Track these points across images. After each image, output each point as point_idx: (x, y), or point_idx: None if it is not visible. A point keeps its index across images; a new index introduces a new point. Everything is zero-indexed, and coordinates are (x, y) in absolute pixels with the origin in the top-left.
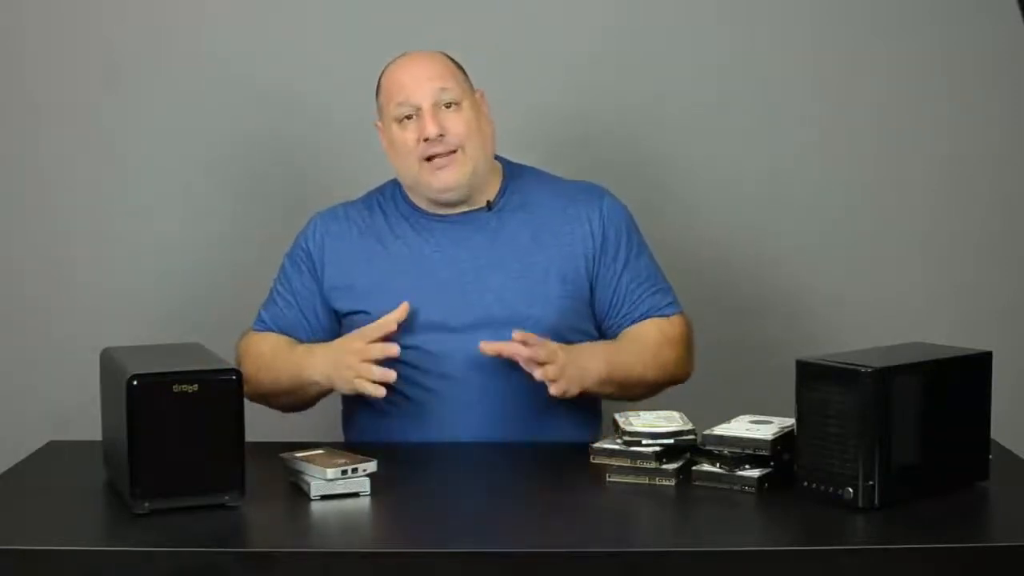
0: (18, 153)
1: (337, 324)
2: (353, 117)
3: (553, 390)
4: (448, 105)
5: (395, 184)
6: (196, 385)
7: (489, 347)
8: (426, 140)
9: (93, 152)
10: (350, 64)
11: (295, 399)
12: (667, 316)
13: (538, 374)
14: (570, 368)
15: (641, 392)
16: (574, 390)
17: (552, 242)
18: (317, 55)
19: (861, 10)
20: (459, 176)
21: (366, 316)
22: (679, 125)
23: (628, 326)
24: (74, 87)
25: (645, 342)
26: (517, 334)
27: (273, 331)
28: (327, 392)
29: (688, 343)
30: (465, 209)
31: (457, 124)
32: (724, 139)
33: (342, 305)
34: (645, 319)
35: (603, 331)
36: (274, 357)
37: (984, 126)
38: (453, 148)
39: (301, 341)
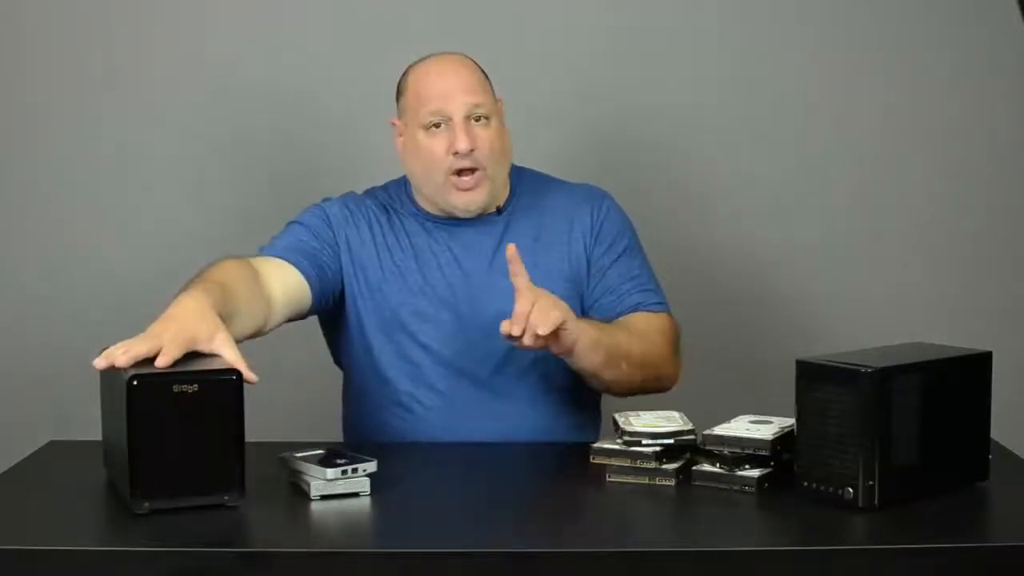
0: (18, 153)
1: (334, 305)
2: (356, 116)
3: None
4: (478, 119)
5: (399, 185)
6: (196, 385)
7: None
8: (455, 153)
9: (93, 152)
10: (352, 63)
11: None
12: (654, 311)
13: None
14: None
15: (625, 373)
16: (571, 334)
17: (556, 243)
18: (319, 54)
19: (861, 10)
20: (481, 198)
21: (375, 302)
22: (679, 126)
23: (613, 318)
24: (74, 87)
25: (632, 323)
26: (503, 328)
27: (281, 257)
28: None
29: (674, 342)
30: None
31: (485, 141)
32: (724, 139)
33: (352, 289)
34: (632, 312)
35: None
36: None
37: (984, 126)
38: (480, 166)
39: (304, 273)
